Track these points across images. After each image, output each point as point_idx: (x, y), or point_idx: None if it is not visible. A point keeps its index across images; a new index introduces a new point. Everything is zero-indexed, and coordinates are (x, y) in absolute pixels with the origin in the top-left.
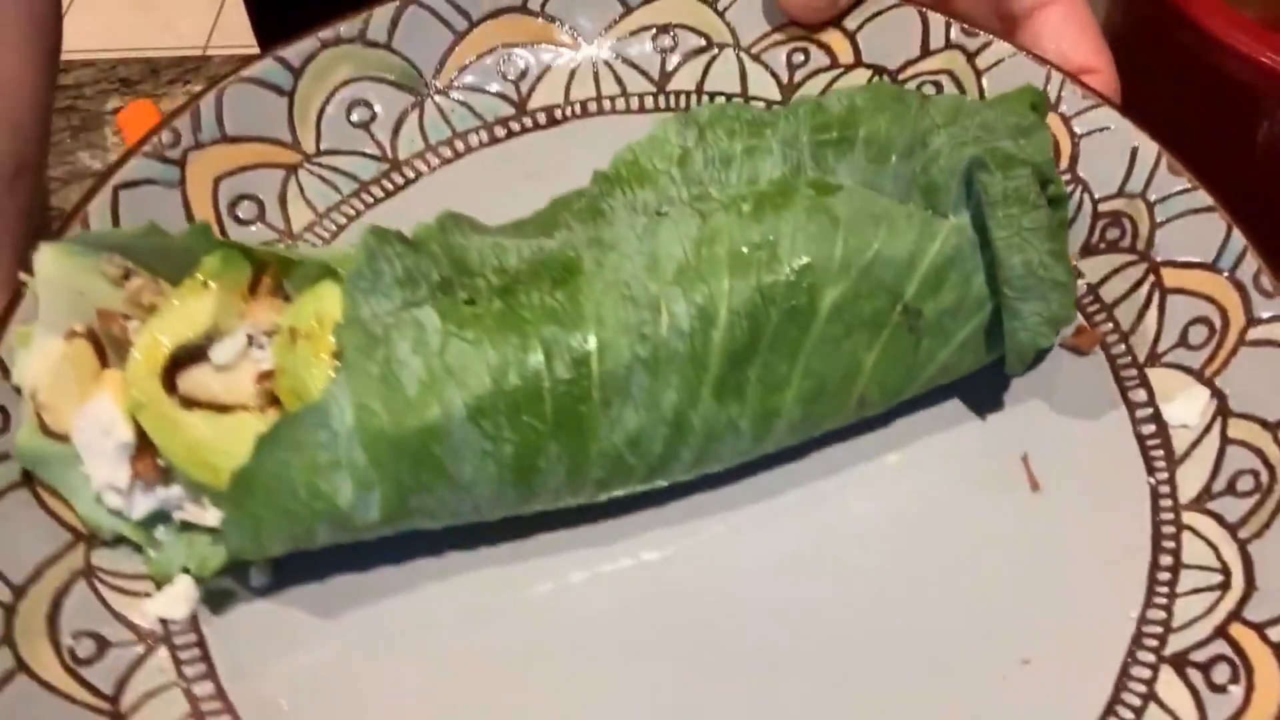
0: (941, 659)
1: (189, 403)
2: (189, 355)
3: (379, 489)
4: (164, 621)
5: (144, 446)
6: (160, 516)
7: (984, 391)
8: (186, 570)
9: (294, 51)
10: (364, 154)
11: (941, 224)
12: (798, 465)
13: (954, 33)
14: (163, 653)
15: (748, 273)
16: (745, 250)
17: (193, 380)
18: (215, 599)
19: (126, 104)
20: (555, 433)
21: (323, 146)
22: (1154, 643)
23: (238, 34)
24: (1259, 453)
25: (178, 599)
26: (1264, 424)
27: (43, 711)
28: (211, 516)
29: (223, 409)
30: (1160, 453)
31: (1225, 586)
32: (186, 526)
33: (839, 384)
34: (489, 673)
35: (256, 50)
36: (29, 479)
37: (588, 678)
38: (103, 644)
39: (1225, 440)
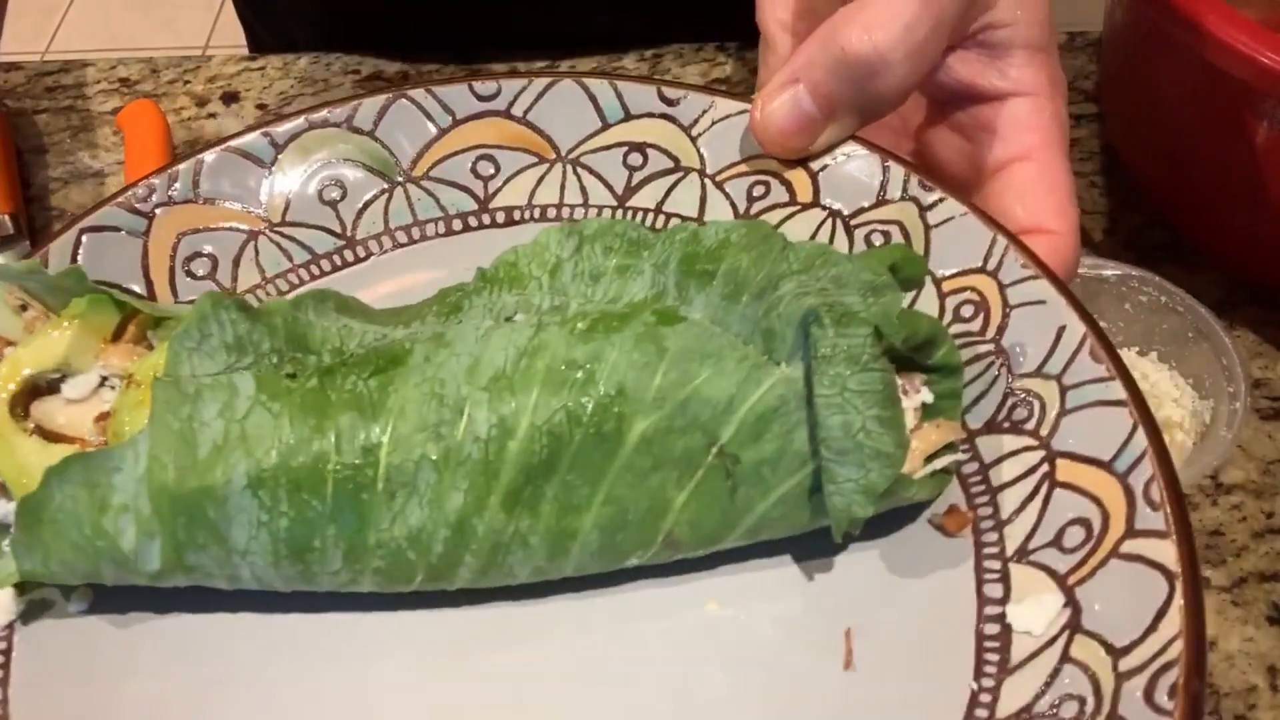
0: None
1: (39, 429)
2: (47, 386)
3: (159, 539)
4: None
5: None
6: (6, 530)
7: (830, 553)
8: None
9: (282, 130)
10: (324, 229)
11: (771, 371)
12: (619, 596)
13: (911, 185)
14: None
15: (560, 390)
16: (564, 367)
17: (44, 409)
18: (35, 616)
19: (126, 104)
20: (334, 515)
21: (288, 218)
22: None
23: (237, 34)
24: (1093, 679)
25: None
26: (1109, 648)
27: None
28: None
29: (59, 439)
30: (994, 657)
31: None
32: None
33: (644, 517)
34: None
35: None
36: None
37: None
38: None
39: (1064, 658)
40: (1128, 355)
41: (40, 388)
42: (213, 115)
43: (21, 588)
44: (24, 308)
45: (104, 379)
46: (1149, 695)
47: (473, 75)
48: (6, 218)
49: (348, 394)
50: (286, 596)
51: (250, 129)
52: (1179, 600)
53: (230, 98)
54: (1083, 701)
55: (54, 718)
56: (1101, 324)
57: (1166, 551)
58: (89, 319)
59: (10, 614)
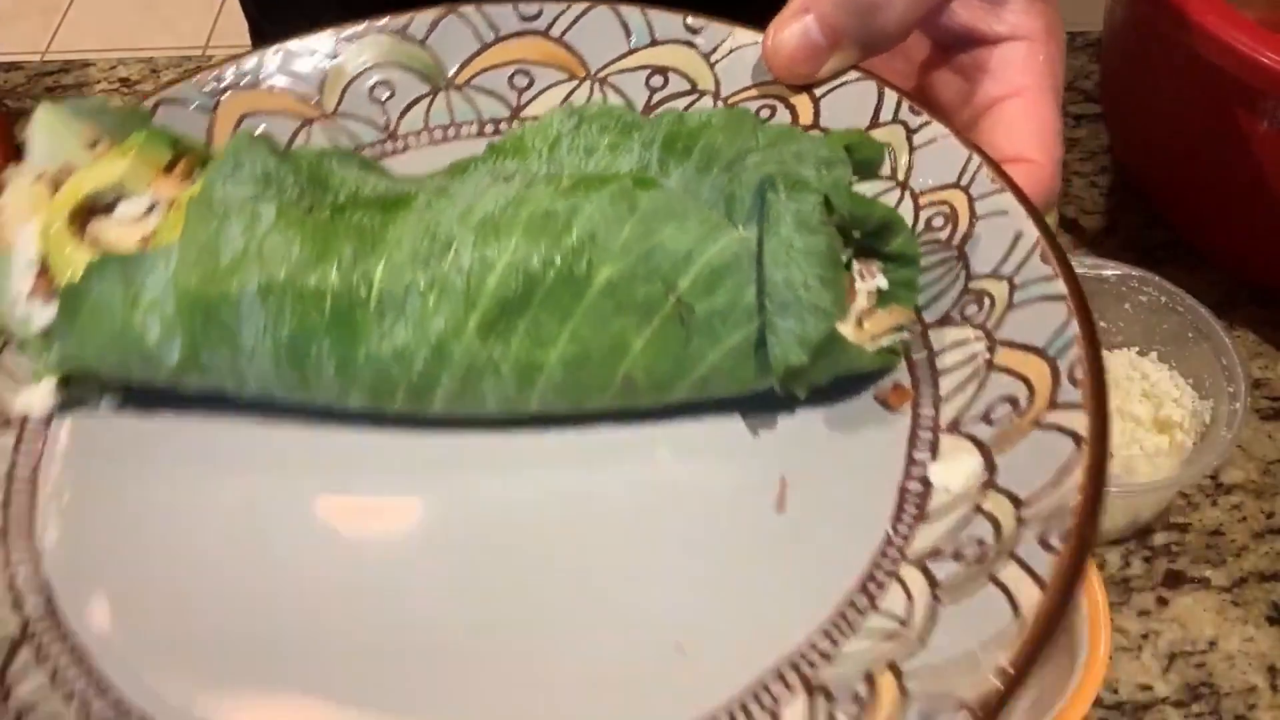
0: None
1: (92, 242)
2: (104, 207)
3: (180, 337)
4: (20, 416)
5: (46, 269)
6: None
7: (775, 412)
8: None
9: (346, 33)
10: (371, 122)
11: (729, 231)
12: (582, 436)
13: (902, 110)
14: (8, 439)
15: (538, 236)
16: (544, 216)
17: (99, 226)
18: (72, 409)
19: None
20: (330, 329)
21: (340, 109)
22: (808, 669)
23: (238, 34)
24: (996, 525)
25: (37, 398)
26: (1015, 501)
27: None
28: None
29: (109, 251)
30: (913, 509)
31: (895, 636)
32: None
33: (604, 357)
34: (290, 524)
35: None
36: None
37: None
38: None
39: (975, 510)
40: (1128, 355)
41: (97, 207)
42: None
43: (64, 384)
44: (94, 144)
45: (152, 205)
46: (1043, 538)
47: None
48: None
49: (354, 227)
50: (285, 415)
51: (317, 29)
52: (1084, 461)
53: None
54: (983, 543)
55: (78, 500)
56: (1101, 324)
57: (1080, 421)
58: (146, 151)
59: (51, 405)
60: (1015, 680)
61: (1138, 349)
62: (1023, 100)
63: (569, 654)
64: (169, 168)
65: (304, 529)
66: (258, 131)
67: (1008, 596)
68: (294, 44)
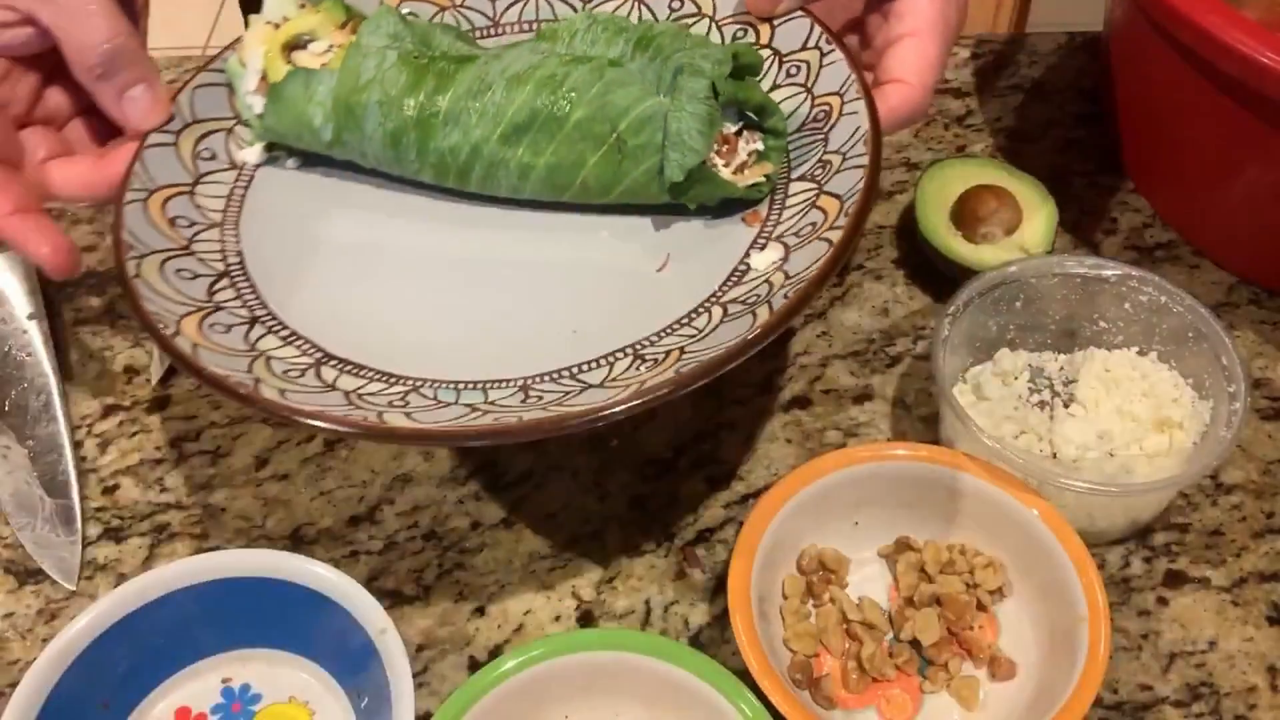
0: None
1: (292, 65)
2: (303, 42)
3: (332, 124)
4: (242, 163)
5: (264, 77)
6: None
7: (675, 217)
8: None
9: None
10: (482, 13)
11: (653, 96)
12: (551, 216)
13: (821, 40)
14: (230, 175)
15: (542, 89)
16: (549, 76)
17: (298, 55)
18: (269, 164)
19: None
20: (414, 127)
21: (465, 2)
22: (640, 348)
23: (238, 33)
24: (769, 286)
25: (252, 154)
26: (786, 274)
27: (166, 164)
28: None
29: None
30: (735, 277)
31: (693, 335)
32: None
33: (571, 166)
34: (385, 240)
35: None
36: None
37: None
38: (214, 157)
39: (764, 281)
40: (1128, 355)
41: (298, 43)
42: None
43: (268, 148)
44: (302, 5)
45: (330, 47)
46: (784, 296)
47: None
48: None
49: (437, 71)
50: (387, 181)
51: None
52: (829, 255)
53: None
54: (758, 297)
55: (265, 211)
56: (1101, 324)
57: (838, 236)
58: (329, 12)
59: (259, 159)
60: (751, 343)
61: (1138, 349)
62: (915, 39)
63: (505, 321)
64: (343, 25)
65: (394, 245)
66: (406, 12)
67: (754, 319)
68: None
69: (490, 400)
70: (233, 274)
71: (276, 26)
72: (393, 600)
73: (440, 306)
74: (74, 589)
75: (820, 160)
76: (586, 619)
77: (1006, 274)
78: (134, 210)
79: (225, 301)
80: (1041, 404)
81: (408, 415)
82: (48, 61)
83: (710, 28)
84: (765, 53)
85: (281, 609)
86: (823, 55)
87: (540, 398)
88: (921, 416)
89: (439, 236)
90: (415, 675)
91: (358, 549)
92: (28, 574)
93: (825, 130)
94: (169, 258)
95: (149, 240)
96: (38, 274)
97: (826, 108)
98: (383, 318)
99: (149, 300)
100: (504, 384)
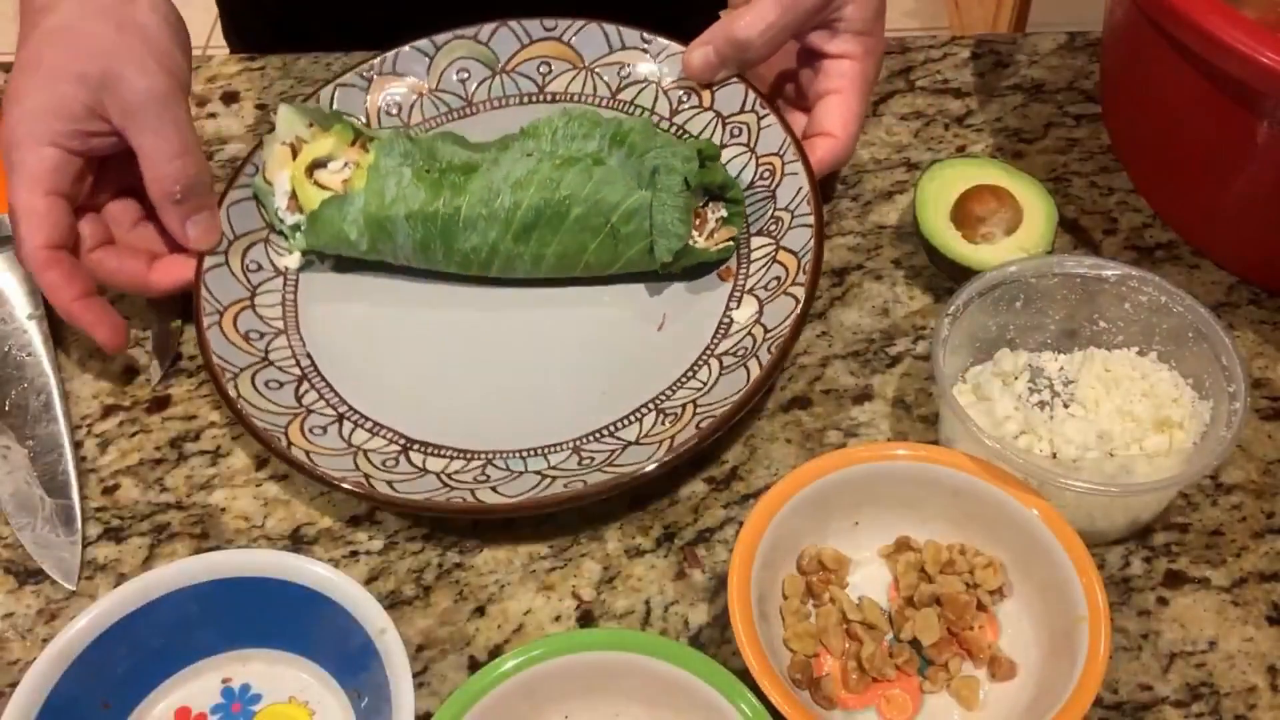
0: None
1: (316, 183)
2: (322, 163)
3: (366, 237)
4: (285, 269)
5: (294, 195)
6: (297, 226)
7: (665, 285)
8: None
9: (439, 39)
10: (457, 95)
11: (637, 191)
12: (565, 291)
13: (756, 105)
14: (278, 281)
15: (542, 190)
16: (547, 180)
17: (319, 174)
18: (306, 268)
19: None
20: (439, 236)
21: (439, 87)
22: (659, 403)
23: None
24: (753, 340)
25: (292, 261)
26: (765, 328)
27: (225, 283)
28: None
29: (325, 189)
30: (722, 332)
31: (699, 389)
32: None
33: (575, 254)
34: (417, 325)
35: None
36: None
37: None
38: (260, 268)
39: (747, 334)
40: (1128, 355)
41: (319, 163)
42: (213, 115)
43: (305, 254)
44: (310, 125)
45: (345, 164)
46: (770, 351)
47: (545, 16)
48: (7, 217)
49: (449, 183)
50: (418, 275)
51: (415, 40)
52: (797, 311)
53: (230, 98)
54: (745, 350)
55: (314, 312)
56: (1101, 324)
57: (801, 292)
58: (341, 133)
59: (299, 263)
60: (751, 394)
61: (1138, 349)
62: (840, 95)
63: (546, 391)
64: (353, 143)
65: (438, 331)
66: (389, 103)
67: (747, 374)
68: (410, 46)
69: (552, 465)
70: (309, 377)
71: (289, 144)
72: (393, 600)
73: (489, 383)
74: (74, 589)
75: (773, 216)
76: (586, 619)
77: (1006, 274)
78: (215, 334)
79: (313, 404)
80: (1041, 404)
81: (494, 490)
82: (111, 160)
83: (657, 94)
84: (708, 115)
85: (281, 609)
86: (759, 119)
87: (592, 459)
88: (921, 416)
89: (469, 319)
90: (415, 675)
91: (358, 549)
92: (28, 574)
93: (772, 188)
94: (256, 372)
95: (235, 360)
96: None
97: (770, 167)
98: (444, 399)
99: (257, 418)
100: (559, 448)
